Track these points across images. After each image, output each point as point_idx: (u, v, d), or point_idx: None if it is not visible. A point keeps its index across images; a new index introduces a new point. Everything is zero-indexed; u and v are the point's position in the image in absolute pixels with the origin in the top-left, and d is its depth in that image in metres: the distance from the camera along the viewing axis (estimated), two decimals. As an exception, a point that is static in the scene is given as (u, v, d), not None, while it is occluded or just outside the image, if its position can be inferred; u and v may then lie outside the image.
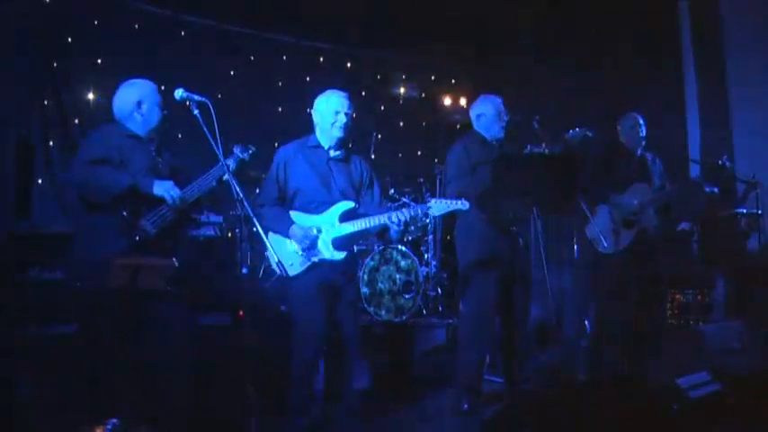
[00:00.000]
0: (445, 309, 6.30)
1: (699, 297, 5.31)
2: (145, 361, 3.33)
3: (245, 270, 3.07)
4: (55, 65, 5.84)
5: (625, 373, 4.36)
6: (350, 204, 3.79)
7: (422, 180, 6.56)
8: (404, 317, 5.77)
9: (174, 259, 3.30)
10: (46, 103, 5.79)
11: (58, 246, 3.99)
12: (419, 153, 7.70)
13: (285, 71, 7.30)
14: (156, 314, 3.40)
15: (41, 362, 3.59)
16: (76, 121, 5.87)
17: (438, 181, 6.28)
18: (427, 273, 6.36)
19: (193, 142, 3.87)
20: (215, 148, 3.29)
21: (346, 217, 3.76)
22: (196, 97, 3.40)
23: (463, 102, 7.84)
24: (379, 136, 6.42)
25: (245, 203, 3.15)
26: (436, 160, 6.54)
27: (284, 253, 3.73)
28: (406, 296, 5.85)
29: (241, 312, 4.18)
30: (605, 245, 4.78)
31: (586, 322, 5.42)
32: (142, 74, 3.80)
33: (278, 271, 3.47)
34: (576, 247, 5.37)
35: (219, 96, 5.63)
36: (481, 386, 4.34)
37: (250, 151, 3.91)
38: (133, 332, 3.29)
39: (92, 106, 6.03)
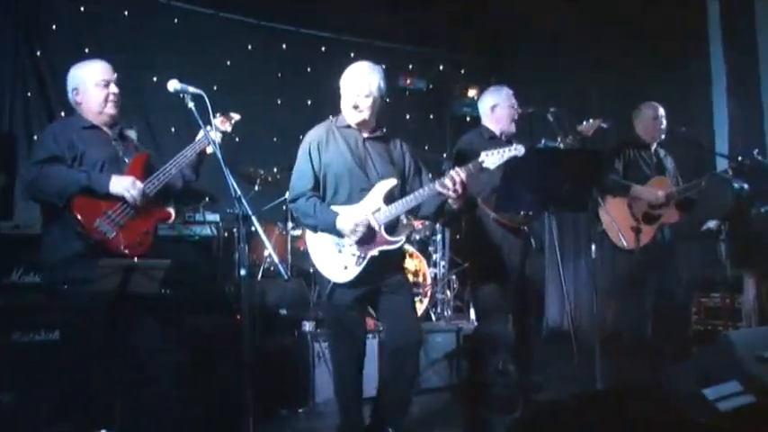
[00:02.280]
0: (455, 312, 6.27)
1: (727, 301, 5.24)
2: (130, 368, 3.31)
3: (243, 271, 3.02)
4: (38, 53, 5.77)
5: (646, 382, 4.32)
6: (392, 182, 3.59)
7: (430, 176, 6.49)
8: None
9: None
10: (29, 94, 5.73)
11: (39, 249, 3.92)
12: (426, 147, 7.65)
13: (285, 61, 7.24)
14: (138, 319, 3.35)
15: (24, 371, 3.56)
16: (62, 113, 5.78)
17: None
18: (435, 274, 6.36)
19: (189, 137, 3.85)
20: (212, 143, 3.29)
21: (391, 197, 3.59)
22: (191, 89, 3.36)
23: (473, 94, 7.80)
24: (384, 130, 6.38)
25: (243, 201, 3.10)
26: (444, 155, 6.51)
27: (331, 257, 3.56)
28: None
29: (239, 316, 4.34)
30: (623, 242, 4.74)
31: (604, 326, 5.39)
32: (132, 64, 3.78)
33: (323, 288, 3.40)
34: (593, 245, 5.32)
35: (215, 88, 5.56)
36: (490, 394, 4.33)
37: (233, 120, 3.82)
38: (117, 337, 3.25)
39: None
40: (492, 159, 3.55)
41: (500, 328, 4.26)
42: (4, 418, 3.43)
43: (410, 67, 8.03)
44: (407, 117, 7.95)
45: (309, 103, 7.21)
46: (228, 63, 6.87)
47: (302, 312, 5.23)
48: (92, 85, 3.51)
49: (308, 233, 3.67)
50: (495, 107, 4.37)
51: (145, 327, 3.37)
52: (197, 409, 3.98)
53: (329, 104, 7.31)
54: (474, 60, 8.15)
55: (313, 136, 3.67)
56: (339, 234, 3.53)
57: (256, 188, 5.95)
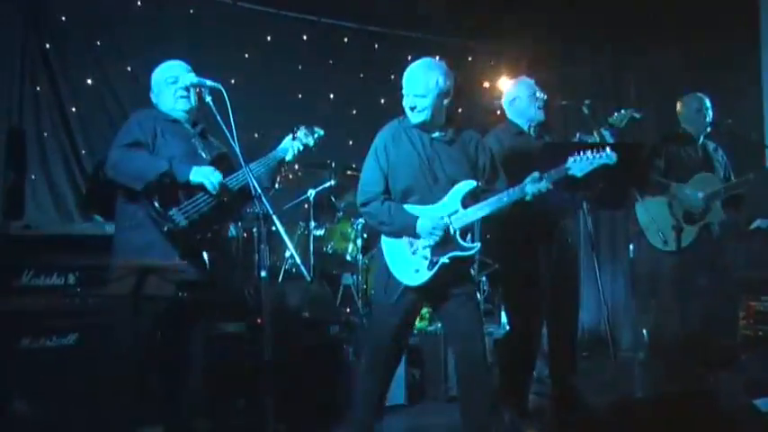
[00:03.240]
0: (485, 316, 6.14)
1: (778, 305, 5.18)
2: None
3: (263, 273, 3.03)
4: (47, 46, 5.74)
5: (690, 390, 4.27)
6: (471, 184, 3.55)
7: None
8: (438, 325, 5.71)
9: (185, 261, 3.34)
10: (39, 89, 5.71)
11: (54, 249, 3.97)
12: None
13: (305, 53, 7.18)
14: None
15: (38, 377, 3.61)
16: (74, 108, 5.83)
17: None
18: None
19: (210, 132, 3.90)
20: (230, 139, 3.30)
21: (470, 200, 3.55)
22: (208, 83, 3.42)
23: (503, 86, 7.72)
24: (455, 129, 6.36)
25: (264, 199, 3.11)
26: None
27: (405, 260, 3.55)
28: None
29: (260, 320, 4.37)
30: (663, 243, 4.68)
31: (644, 331, 5.33)
32: (146, 57, 3.79)
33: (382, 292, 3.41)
34: (631, 246, 5.27)
35: (233, 82, 5.57)
36: (528, 403, 4.32)
37: (316, 135, 3.92)
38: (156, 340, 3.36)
39: (91, 92, 5.93)
40: (579, 166, 3.50)
41: (533, 332, 4.24)
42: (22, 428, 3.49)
43: (437, 57, 7.96)
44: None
45: (332, 97, 7.18)
46: (247, 56, 6.84)
47: (326, 315, 5.24)
48: (163, 82, 3.66)
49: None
50: (514, 100, 4.37)
51: (191, 334, 3.52)
52: (218, 415, 4.02)
53: (352, 98, 7.46)
54: (504, 50, 8.07)
55: (381, 137, 3.66)
56: (416, 236, 3.53)
57: (277, 186, 5.86)
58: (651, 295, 5.06)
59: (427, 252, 3.49)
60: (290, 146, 3.86)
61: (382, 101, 7.03)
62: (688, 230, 4.75)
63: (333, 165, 6.06)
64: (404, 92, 3.58)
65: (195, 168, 3.47)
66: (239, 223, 5.30)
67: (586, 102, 4.37)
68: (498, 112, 7.26)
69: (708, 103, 4.96)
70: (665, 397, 3.76)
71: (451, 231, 3.48)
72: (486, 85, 7.94)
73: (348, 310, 5.84)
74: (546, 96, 4.34)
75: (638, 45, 6.76)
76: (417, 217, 3.49)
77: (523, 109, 4.34)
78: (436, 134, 3.61)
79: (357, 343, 4.89)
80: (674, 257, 4.69)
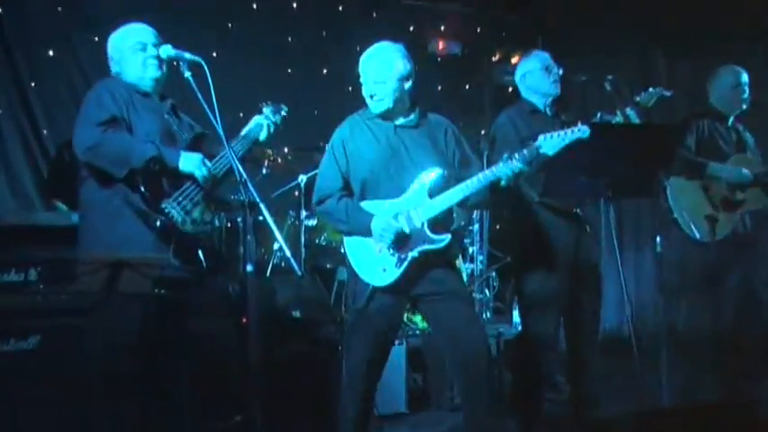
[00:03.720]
0: (495, 314, 6.30)
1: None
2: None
3: (249, 268, 3.01)
4: (0, 12, 5.70)
5: (725, 399, 4.26)
6: (436, 172, 3.61)
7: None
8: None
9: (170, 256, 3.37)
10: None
11: (12, 241, 3.94)
12: (461, 124, 7.59)
13: (296, 23, 7.17)
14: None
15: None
16: (33, 83, 5.79)
17: (485, 158, 6.22)
18: (472, 271, 6.39)
19: (184, 111, 3.87)
20: (212, 119, 3.27)
21: (437, 189, 3.61)
22: (187, 56, 3.40)
23: (516, 60, 7.70)
24: (420, 115, 6.38)
25: (249, 186, 3.09)
26: (483, 132, 6.47)
27: (370, 259, 3.61)
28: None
29: (245, 319, 4.26)
30: (696, 233, 4.66)
31: (672, 332, 5.31)
32: (117, 25, 3.75)
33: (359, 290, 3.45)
34: (658, 237, 5.25)
35: (215, 55, 5.55)
36: (543, 409, 4.35)
37: (283, 112, 3.98)
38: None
39: (53, 65, 5.89)
40: (551, 143, 3.51)
41: (548, 330, 4.24)
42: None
43: (442, 28, 7.93)
44: (439, 88, 7.81)
45: (325, 72, 7.16)
46: (230, 26, 6.84)
47: (319, 314, 5.26)
48: (128, 50, 3.62)
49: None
50: (526, 76, 4.38)
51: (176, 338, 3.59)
52: (200, 423, 4.02)
53: (346, 73, 7.31)
54: (516, 20, 8.03)
55: (336, 135, 3.76)
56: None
57: (264, 171, 5.91)
58: (680, 292, 5.03)
59: (394, 249, 3.55)
60: (263, 124, 3.90)
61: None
62: (724, 219, 4.74)
63: (326, 147, 6.03)
64: (362, 80, 3.66)
65: (184, 155, 3.49)
66: (222, 212, 5.27)
67: (609, 77, 4.35)
68: (510, 90, 7.33)
69: (745, 78, 4.91)
70: (695, 406, 3.77)
71: (418, 225, 3.53)
72: (497, 58, 7.92)
73: (343, 308, 5.83)
74: (561, 70, 4.33)
75: (668, 15, 6.73)
76: (372, 216, 3.56)
77: (536, 84, 4.33)
78: (400, 121, 3.70)
79: (347, 339, 4.89)
80: (708, 250, 4.67)
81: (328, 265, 6.08)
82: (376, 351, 3.65)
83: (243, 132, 3.87)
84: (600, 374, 4.38)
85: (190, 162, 3.48)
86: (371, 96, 3.63)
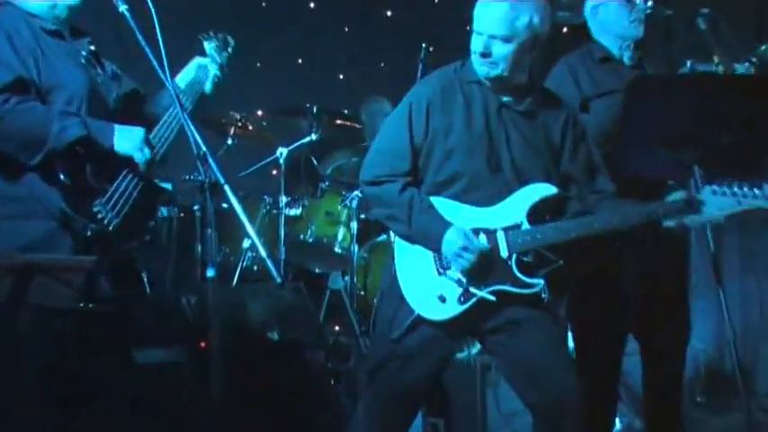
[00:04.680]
0: None
1: None
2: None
3: (210, 273, 2.98)
4: None
5: None
6: (549, 190, 3.49)
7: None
8: (471, 350, 5.70)
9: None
10: None
11: None
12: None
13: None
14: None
15: None
16: None
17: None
18: None
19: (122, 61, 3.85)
20: (157, 67, 3.21)
21: (542, 212, 3.51)
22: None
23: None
24: (431, 48, 6.34)
25: (211, 160, 3.03)
26: None
27: (425, 278, 3.51)
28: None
29: (203, 343, 4.41)
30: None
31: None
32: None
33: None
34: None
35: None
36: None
37: (230, 47, 3.94)
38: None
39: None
40: (723, 203, 3.46)
41: (614, 361, 4.24)
42: None
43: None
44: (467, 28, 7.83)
45: (312, 6, 7.13)
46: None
47: (305, 336, 5.25)
48: None
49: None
50: (598, 9, 4.34)
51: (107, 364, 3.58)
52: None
53: (342, 6, 7.41)
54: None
55: (424, 89, 3.63)
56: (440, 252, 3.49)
57: (230, 142, 6.03)
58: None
59: (462, 275, 3.44)
60: (208, 68, 3.87)
61: (389, 13, 7.03)
62: None
63: (314, 110, 6.10)
64: (475, 28, 3.45)
65: (120, 131, 3.46)
66: (173, 198, 5.28)
67: (703, 11, 4.33)
68: (565, 30, 7.29)
69: None
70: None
71: (503, 254, 3.42)
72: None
73: (337, 327, 5.92)
74: (651, 3, 4.24)
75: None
76: (447, 226, 3.43)
77: (612, 21, 4.28)
78: (507, 98, 3.55)
79: (351, 378, 4.88)
80: None
81: (317, 270, 6.15)
82: (407, 397, 3.64)
83: (180, 80, 3.83)
84: (691, 421, 4.44)
85: (128, 140, 3.45)
86: (484, 55, 3.44)
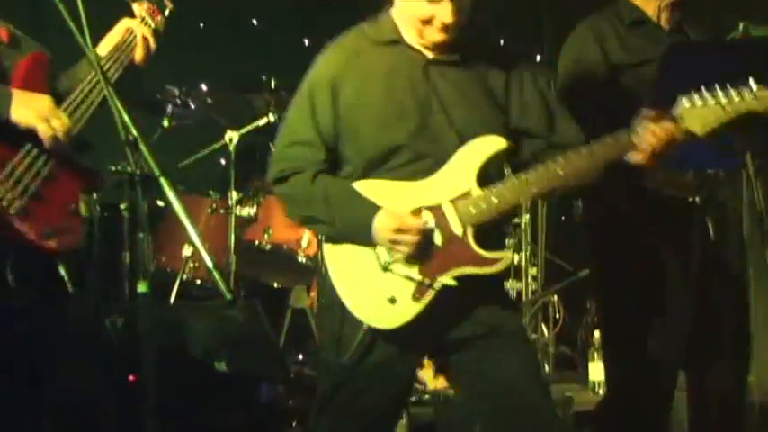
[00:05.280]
0: (558, 367, 6.40)
1: None
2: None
3: (142, 287, 2.91)
4: None
5: None
6: (497, 143, 3.47)
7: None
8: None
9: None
10: None
11: None
12: (500, 42, 7.62)
13: None
14: None
15: None
16: None
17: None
18: (518, 292, 6.43)
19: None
20: (71, 26, 3.10)
21: (494, 171, 3.50)
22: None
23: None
24: (468, 42, 6.50)
25: (143, 147, 2.93)
26: (538, 57, 6.43)
27: (368, 281, 3.49)
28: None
29: (132, 376, 4.53)
30: None
31: None
32: None
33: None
34: None
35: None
36: None
37: (166, 12, 3.93)
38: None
39: None
40: (705, 115, 3.36)
41: (656, 395, 4.22)
42: None
43: None
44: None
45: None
46: None
47: (260, 366, 5.29)
48: None
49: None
50: None
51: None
52: None
53: None
54: None
55: (323, 67, 3.65)
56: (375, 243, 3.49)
57: (165, 124, 6.01)
58: None
59: (410, 266, 3.42)
60: (137, 31, 3.82)
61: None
62: None
63: (272, 84, 6.13)
64: None
65: (18, 96, 3.46)
66: (94, 193, 5.24)
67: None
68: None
69: None
70: None
71: (457, 231, 3.41)
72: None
73: (301, 356, 5.96)
74: None
75: None
76: (375, 210, 3.42)
77: None
78: (434, 53, 3.55)
79: (319, 417, 4.90)
80: None
81: (276, 284, 6.16)
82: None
83: (104, 47, 3.78)
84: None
85: (29, 108, 3.43)
86: (427, 21, 3.45)
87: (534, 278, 6.51)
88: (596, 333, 5.86)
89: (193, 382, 4.97)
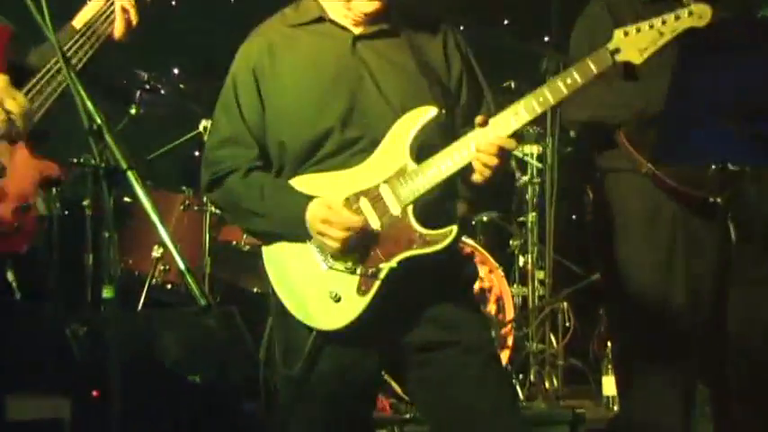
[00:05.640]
0: (568, 383, 6.39)
1: None
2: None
3: (107, 293, 2.91)
4: None
5: None
6: (427, 113, 3.50)
7: (514, 85, 6.63)
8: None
9: None
10: None
11: None
12: (505, 22, 7.67)
13: None
14: None
15: None
16: None
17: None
18: (524, 299, 6.48)
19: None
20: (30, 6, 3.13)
21: (431, 145, 3.49)
22: None
23: None
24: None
25: (108, 137, 2.94)
26: (546, 39, 6.44)
27: (309, 281, 3.54)
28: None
29: (95, 392, 4.52)
30: None
31: None
32: None
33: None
34: None
35: None
36: None
37: None
38: None
39: None
40: (640, 41, 3.42)
41: (673, 415, 4.22)
42: None
43: None
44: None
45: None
46: None
47: (238, 380, 5.29)
48: None
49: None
50: None
51: None
52: None
53: None
54: None
55: (243, 58, 3.73)
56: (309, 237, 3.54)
57: (133, 111, 6.00)
58: None
59: (354, 259, 3.47)
60: (114, 5, 3.87)
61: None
62: None
63: None
64: None
65: None
66: (54, 188, 5.24)
67: None
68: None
69: None
70: None
71: (395, 212, 3.46)
72: None
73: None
74: None
75: None
76: (306, 199, 3.49)
77: None
78: (361, 28, 3.63)
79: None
80: None
81: (256, 289, 6.14)
82: None
83: (79, 21, 3.83)
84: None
85: None
86: None
87: (542, 283, 6.51)
88: (610, 344, 5.83)
89: (163, 397, 4.93)
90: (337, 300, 3.46)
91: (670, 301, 4.21)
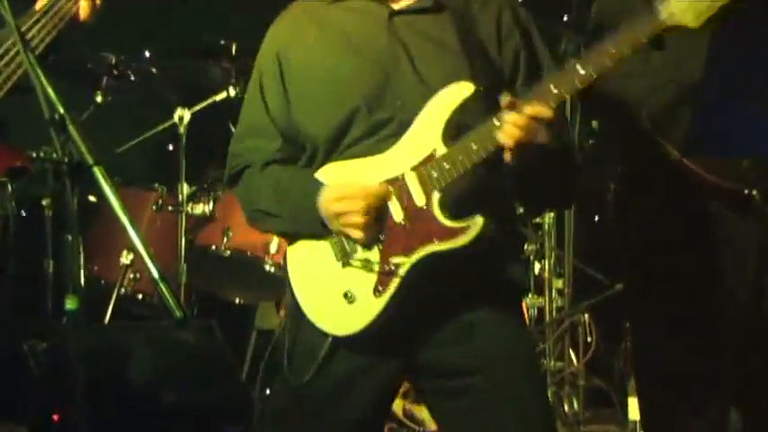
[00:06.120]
0: (592, 404, 6.43)
1: None
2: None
3: (70, 304, 2.96)
4: None
5: None
6: (464, 90, 3.43)
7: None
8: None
9: None
10: None
11: None
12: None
13: None
14: None
15: None
16: None
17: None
18: (541, 310, 6.55)
19: None
20: None
21: (466, 128, 3.43)
22: None
23: None
24: None
25: (72, 128, 3.02)
26: (565, 18, 6.55)
27: (325, 279, 3.58)
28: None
29: (56, 416, 4.62)
30: None
31: None
32: None
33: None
34: None
35: None
36: None
37: None
38: None
39: None
40: (699, 5, 3.32)
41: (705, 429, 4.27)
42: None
43: None
44: None
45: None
46: None
47: (217, 400, 5.34)
48: None
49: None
50: None
51: None
52: None
53: None
54: None
55: (268, 42, 3.80)
56: (325, 229, 3.54)
57: (99, 99, 6.05)
58: None
59: (372, 253, 3.49)
60: None
61: None
62: None
63: (233, 49, 6.19)
64: None
65: None
66: (8, 185, 5.28)
67: None
68: None
69: None
70: None
71: (419, 202, 3.44)
72: None
73: (268, 390, 5.94)
74: None
75: None
76: (320, 186, 3.52)
77: None
78: (400, 4, 3.65)
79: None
80: None
81: (238, 300, 6.20)
82: None
83: (38, 6, 3.77)
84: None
85: None
86: None
87: (560, 292, 6.54)
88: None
89: (133, 421, 4.98)
90: (351, 301, 3.48)
91: (706, 310, 4.17)
